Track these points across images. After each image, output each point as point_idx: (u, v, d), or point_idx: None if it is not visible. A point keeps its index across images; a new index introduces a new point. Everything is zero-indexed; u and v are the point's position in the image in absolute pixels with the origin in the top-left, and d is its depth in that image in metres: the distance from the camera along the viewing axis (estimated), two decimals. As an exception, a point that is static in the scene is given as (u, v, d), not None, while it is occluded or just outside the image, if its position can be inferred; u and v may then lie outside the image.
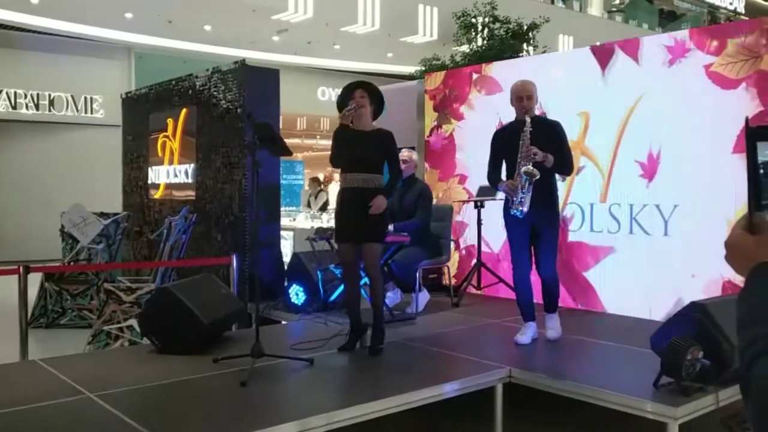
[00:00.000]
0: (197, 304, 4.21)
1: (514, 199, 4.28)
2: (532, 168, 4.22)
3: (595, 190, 5.91)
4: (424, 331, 4.98)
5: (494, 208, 6.44)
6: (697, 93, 5.25)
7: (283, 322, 5.60)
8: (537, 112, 4.61)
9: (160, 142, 7.95)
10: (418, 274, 5.61)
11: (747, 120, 1.04)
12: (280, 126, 6.79)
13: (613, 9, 25.66)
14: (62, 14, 13.02)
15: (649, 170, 5.53)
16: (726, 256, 1.03)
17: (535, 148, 4.22)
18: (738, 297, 0.96)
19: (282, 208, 7.70)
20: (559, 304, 4.67)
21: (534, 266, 4.54)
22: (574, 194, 6.03)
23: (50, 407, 3.21)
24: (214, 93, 6.89)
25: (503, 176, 4.51)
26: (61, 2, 12.64)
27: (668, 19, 28.06)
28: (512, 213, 4.32)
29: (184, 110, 7.46)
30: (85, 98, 14.23)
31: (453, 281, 6.45)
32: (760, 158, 0.99)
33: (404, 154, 5.72)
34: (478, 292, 6.31)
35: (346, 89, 4.43)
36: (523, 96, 4.37)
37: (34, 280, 6.64)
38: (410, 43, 16.11)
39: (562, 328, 4.60)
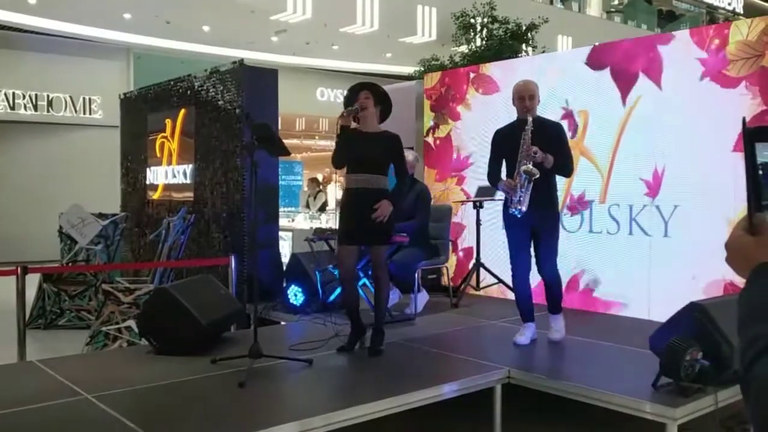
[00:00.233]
0: (195, 304, 4.20)
1: (513, 198, 4.28)
2: (531, 167, 4.21)
3: (594, 190, 5.90)
4: (423, 331, 4.97)
5: (493, 210, 6.44)
6: (696, 91, 5.24)
7: (282, 323, 5.59)
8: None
9: (158, 142, 7.94)
10: (417, 275, 5.61)
11: (744, 121, 1.04)
12: (279, 127, 6.79)
13: (612, 9, 25.69)
14: (60, 15, 13.01)
15: (654, 187, 5.51)
16: (726, 258, 1.03)
17: (535, 147, 4.22)
18: (739, 297, 0.96)
19: (281, 209, 7.69)
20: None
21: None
22: (570, 195, 6.03)
23: (48, 408, 3.20)
24: (213, 93, 6.88)
25: (503, 176, 4.50)
26: (59, 3, 12.63)
27: (667, 20, 28.10)
28: (511, 212, 4.31)
29: (182, 111, 7.45)
30: (84, 99, 14.21)
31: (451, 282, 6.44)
32: (759, 159, 0.99)
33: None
34: (478, 292, 6.31)
35: (351, 90, 4.40)
36: (525, 95, 4.37)
37: (33, 280, 6.63)
38: (409, 44, 16.10)
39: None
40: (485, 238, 6.27)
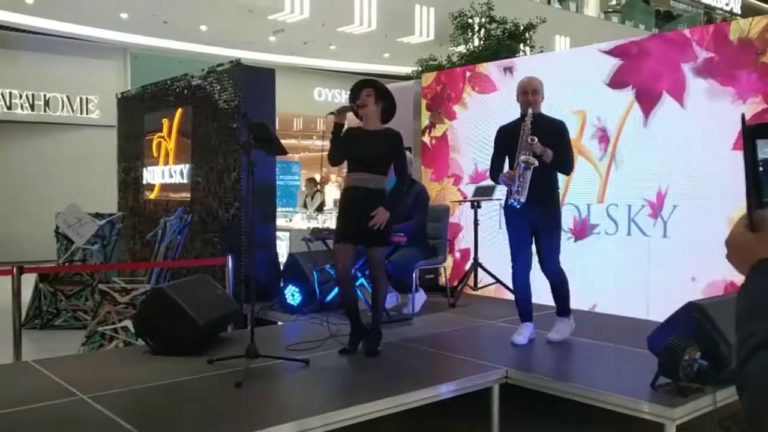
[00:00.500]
0: (192, 304, 4.19)
1: (512, 188, 4.27)
2: (529, 156, 4.21)
3: (592, 190, 5.90)
4: (421, 331, 4.95)
5: (492, 210, 6.43)
6: (695, 90, 5.23)
7: (279, 323, 5.57)
8: None
9: (155, 142, 7.92)
10: (414, 275, 5.60)
11: (743, 117, 1.03)
12: (277, 126, 6.77)
13: (610, 10, 25.70)
14: (57, 14, 12.98)
15: (657, 206, 5.50)
16: (727, 255, 1.03)
17: (533, 136, 4.21)
18: (738, 294, 0.96)
19: (278, 209, 7.68)
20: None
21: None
22: (570, 195, 6.02)
23: (43, 409, 3.18)
24: (210, 93, 6.86)
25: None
26: (56, 2, 12.61)
27: (664, 20, 28.13)
28: (510, 203, 4.29)
29: (179, 110, 7.43)
30: (81, 99, 14.19)
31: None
32: (760, 156, 0.98)
33: None
34: (475, 292, 6.29)
35: (354, 88, 4.37)
36: (528, 90, 4.38)
37: (29, 281, 6.61)
38: (407, 44, 16.10)
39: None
40: (483, 238, 6.26)
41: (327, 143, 4.35)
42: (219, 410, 3.18)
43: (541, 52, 13.94)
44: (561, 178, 4.57)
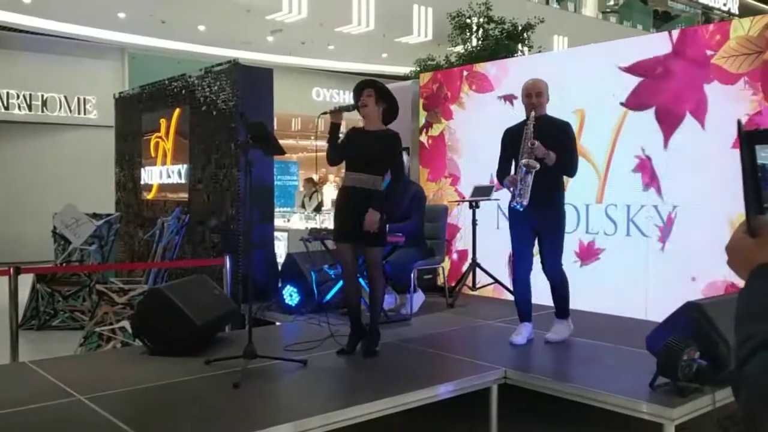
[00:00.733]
0: (190, 305, 4.18)
1: (515, 191, 4.27)
2: (530, 160, 4.20)
3: (591, 190, 5.88)
4: (419, 332, 4.95)
5: (489, 210, 6.43)
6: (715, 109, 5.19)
7: (277, 324, 5.56)
8: None
9: (153, 142, 7.91)
10: (412, 275, 5.59)
11: (740, 123, 1.02)
12: (275, 127, 6.76)
13: (608, 10, 25.72)
14: (55, 14, 12.96)
15: (665, 232, 5.42)
16: (728, 261, 1.03)
17: (535, 141, 4.20)
18: (737, 297, 0.96)
19: (276, 209, 7.67)
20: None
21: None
22: (568, 195, 6.00)
23: (40, 410, 3.17)
24: (208, 93, 6.85)
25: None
26: (53, 2, 12.58)
27: (662, 20, 28.15)
28: (513, 206, 4.30)
29: (177, 110, 7.42)
30: (78, 99, 14.16)
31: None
32: (760, 161, 0.97)
33: None
34: (473, 292, 6.28)
35: (356, 88, 4.39)
36: (532, 93, 4.37)
37: (26, 281, 6.60)
38: (405, 44, 16.09)
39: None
40: (481, 238, 6.25)
41: (320, 142, 4.36)
42: (217, 411, 3.17)
43: (540, 52, 13.93)
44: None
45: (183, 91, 7.34)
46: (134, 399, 3.41)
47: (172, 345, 4.13)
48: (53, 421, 3.08)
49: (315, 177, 12.53)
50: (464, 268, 6.45)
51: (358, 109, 4.31)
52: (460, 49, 14.86)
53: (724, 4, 30.18)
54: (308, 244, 5.45)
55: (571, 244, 5.65)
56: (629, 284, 5.57)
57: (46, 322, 7.21)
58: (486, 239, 6.32)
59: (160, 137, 7.74)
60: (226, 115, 6.55)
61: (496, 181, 4.82)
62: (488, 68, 6.83)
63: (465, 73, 6.98)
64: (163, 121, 7.67)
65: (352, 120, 4.82)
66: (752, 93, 4.91)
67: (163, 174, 7.76)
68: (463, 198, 6.75)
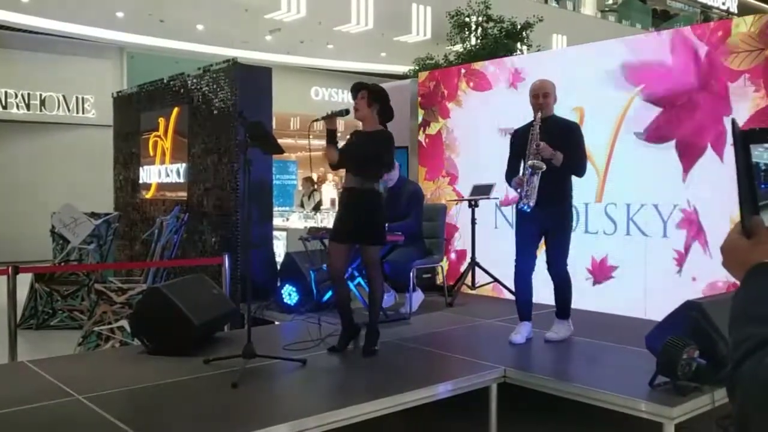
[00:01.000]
0: (188, 304, 4.17)
1: (521, 192, 4.27)
2: (537, 161, 4.20)
3: (590, 189, 5.87)
4: (418, 331, 4.94)
5: (489, 210, 6.42)
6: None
7: (276, 323, 5.56)
8: None
9: (151, 141, 7.89)
10: (411, 274, 5.58)
11: (734, 123, 1.02)
12: (273, 126, 6.75)
13: (607, 9, 25.72)
14: (53, 13, 12.93)
15: (681, 261, 5.28)
16: (723, 262, 1.03)
17: (541, 143, 4.20)
18: (733, 297, 0.96)
19: (275, 208, 7.66)
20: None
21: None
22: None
23: (38, 409, 3.16)
24: (206, 92, 6.84)
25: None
26: (52, 1, 12.57)
27: (661, 19, 28.15)
28: (519, 207, 4.31)
29: (175, 109, 7.40)
30: (77, 98, 14.14)
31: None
32: (754, 160, 0.97)
33: None
34: (473, 291, 6.28)
35: (351, 89, 4.43)
36: (539, 93, 4.38)
37: (25, 281, 6.58)
38: (403, 43, 16.08)
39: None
40: (479, 237, 6.24)
41: (315, 142, 4.39)
42: (215, 410, 3.16)
43: (538, 50, 13.93)
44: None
45: (181, 90, 7.33)
46: (133, 398, 3.41)
47: (171, 344, 4.12)
48: (52, 421, 3.07)
49: (314, 176, 12.52)
50: (463, 267, 6.44)
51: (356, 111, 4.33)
52: (458, 48, 14.85)
53: (723, 3, 30.17)
54: (307, 244, 5.44)
55: (583, 261, 5.56)
56: (629, 284, 5.57)
57: (45, 322, 7.20)
58: (485, 238, 6.31)
59: (159, 136, 7.73)
60: (224, 114, 6.54)
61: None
62: (486, 66, 6.82)
63: (463, 71, 6.97)
64: (161, 120, 7.66)
65: (352, 121, 4.83)
66: (754, 89, 4.90)
67: (161, 173, 7.75)
68: (461, 197, 6.74)
